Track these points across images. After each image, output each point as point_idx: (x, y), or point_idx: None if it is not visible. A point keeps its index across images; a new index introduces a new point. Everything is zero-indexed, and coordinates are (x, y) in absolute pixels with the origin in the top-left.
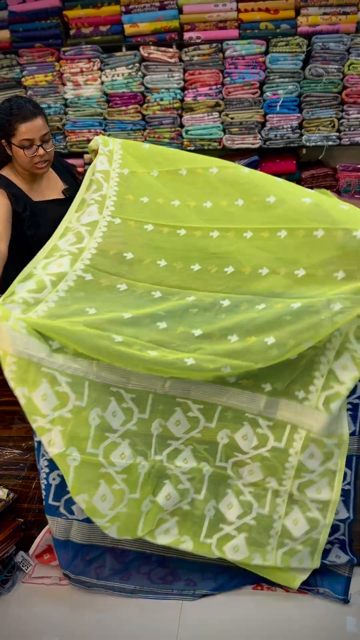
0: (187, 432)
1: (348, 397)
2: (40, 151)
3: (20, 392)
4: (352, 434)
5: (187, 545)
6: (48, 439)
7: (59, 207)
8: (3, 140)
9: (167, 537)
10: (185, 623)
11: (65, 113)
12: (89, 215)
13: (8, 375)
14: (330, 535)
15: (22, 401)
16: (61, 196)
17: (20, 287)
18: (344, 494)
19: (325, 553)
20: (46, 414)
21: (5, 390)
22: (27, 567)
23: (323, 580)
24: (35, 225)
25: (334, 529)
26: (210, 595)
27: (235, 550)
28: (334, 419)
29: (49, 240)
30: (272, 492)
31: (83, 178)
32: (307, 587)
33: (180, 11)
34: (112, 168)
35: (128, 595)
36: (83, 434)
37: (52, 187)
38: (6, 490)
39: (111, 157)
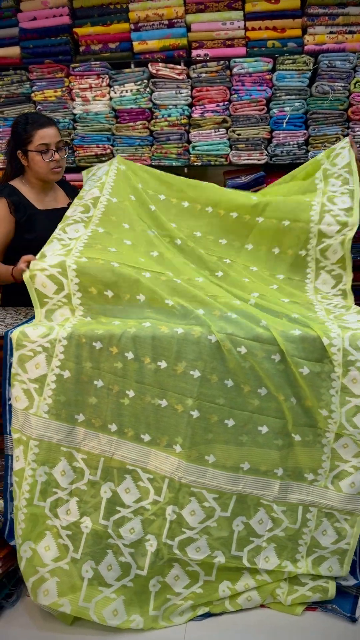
0: (202, 522)
1: None
2: (56, 156)
3: (42, 471)
4: None
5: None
6: (66, 509)
7: (59, 216)
8: (19, 152)
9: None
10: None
11: (74, 128)
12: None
13: (31, 457)
14: None
15: (42, 479)
16: (64, 206)
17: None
18: None
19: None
20: (65, 487)
21: None
22: None
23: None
24: (34, 229)
25: None
26: (217, 615)
27: (266, 561)
28: (346, 497)
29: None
30: (288, 574)
31: None
32: (316, 604)
33: (189, 29)
34: (102, 194)
35: None
36: (95, 508)
37: (57, 200)
38: None
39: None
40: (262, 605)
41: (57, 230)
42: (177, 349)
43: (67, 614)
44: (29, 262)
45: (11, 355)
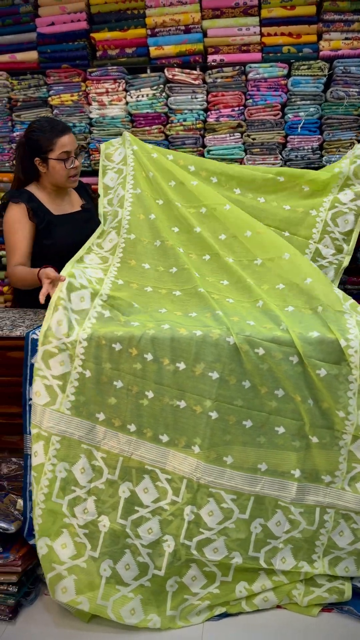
0: (220, 522)
1: None
2: (76, 163)
3: (62, 467)
4: None
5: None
6: (83, 507)
7: (75, 220)
8: (37, 159)
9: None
10: None
11: (90, 132)
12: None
13: (51, 452)
14: None
15: (62, 475)
16: (78, 210)
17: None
18: None
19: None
20: (84, 485)
21: (13, 401)
22: None
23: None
24: (51, 236)
25: None
26: (233, 615)
27: (283, 562)
28: None
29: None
30: (304, 574)
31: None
32: (332, 605)
33: (205, 35)
34: (125, 147)
35: None
36: (113, 508)
37: (72, 203)
38: None
39: (124, 141)
40: (278, 606)
41: (93, 246)
42: (195, 350)
43: (85, 612)
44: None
45: (32, 355)
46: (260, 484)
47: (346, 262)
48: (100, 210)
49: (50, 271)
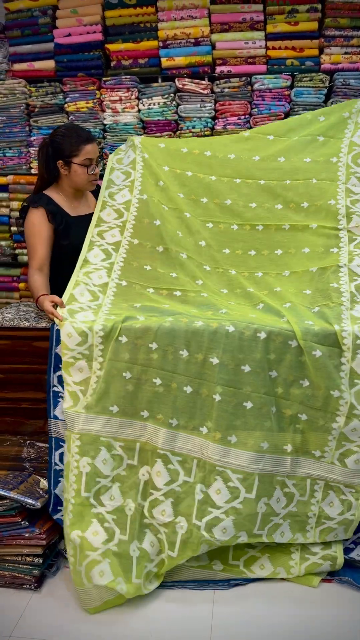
0: (228, 502)
1: None
2: (97, 170)
3: (85, 462)
4: None
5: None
6: (109, 495)
7: (90, 221)
8: (60, 161)
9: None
10: (219, 611)
11: (104, 137)
12: (122, 197)
13: (73, 450)
14: (354, 533)
15: (86, 470)
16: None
17: (78, 295)
18: None
19: (349, 551)
20: (107, 475)
21: (38, 388)
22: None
23: (345, 571)
24: (68, 236)
25: (358, 527)
26: (242, 585)
27: (282, 535)
28: (351, 472)
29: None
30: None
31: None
32: (332, 576)
33: (213, 47)
34: (136, 154)
35: (168, 586)
36: (135, 490)
37: (88, 205)
38: None
39: (134, 148)
40: (282, 579)
41: (94, 236)
42: (202, 340)
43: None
44: (54, 303)
45: (56, 345)
46: (263, 462)
47: None
48: (100, 198)
49: (47, 306)
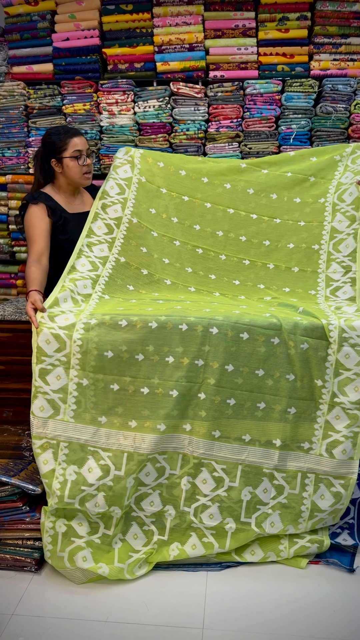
0: (214, 490)
1: None
2: (88, 161)
3: (71, 470)
4: None
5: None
6: (94, 502)
7: (87, 218)
8: (53, 160)
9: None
10: (212, 591)
11: (101, 139)
12: (114, 212)
13: (61, 458)
14: (341, 518)
15: (72, 478)
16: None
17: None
18: None
19: (335, 535)
20: (92, 483)
21: (27, 378)
22: None
23: (332, 554)
24: (66, 232)
25: (345, 511)
26: (234, 567)
27: (272, 526)
28: (339, 463)
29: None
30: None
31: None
32: (319, 558)
33: (207, 53)
34: (133, 174)
35: (163, 569)
36: (124, 494)
37: (85, 204)
38: None
39: (133, 166)
40: (272, 562)
41: (84, 246)
42: (188, 344)
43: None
44: (35, 308)
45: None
46: (245, 453)
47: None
48: (93, 209)
49: (28, 308)
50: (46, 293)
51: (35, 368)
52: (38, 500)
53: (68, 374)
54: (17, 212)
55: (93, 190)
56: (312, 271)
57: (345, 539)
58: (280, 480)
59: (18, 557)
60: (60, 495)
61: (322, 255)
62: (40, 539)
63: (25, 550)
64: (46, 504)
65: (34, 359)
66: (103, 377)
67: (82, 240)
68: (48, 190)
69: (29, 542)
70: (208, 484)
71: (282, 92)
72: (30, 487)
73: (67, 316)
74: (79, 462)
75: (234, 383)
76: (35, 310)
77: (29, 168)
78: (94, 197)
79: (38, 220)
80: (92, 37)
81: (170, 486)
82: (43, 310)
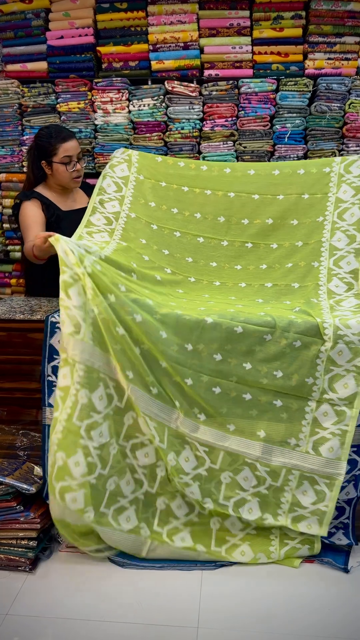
0: (195, 468)
1: None
2: (78, 166)
3: (84, 394)
4: (359, 425)
5: (208, 505)
6: (99, 431)
7: (81, 215)
8: (43, 162)
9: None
10: (206, 590)
11: (95, 137)
12: (112, 207)
13: (76, 379)
14: (336, 518)
15: (83, 401)
16: (84, 206)
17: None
18: (354, 478)
19: (330, 535)
20: (100, 411)
21: (31, 378)
22: (62, 539)
23: (327, 553)
24: (60, 228)
25: (340, 511)
26: (228, 565)
27: (249, 512)
28: (326, 461)
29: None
30: (269, 525)
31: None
32: (313, 557)
33: (202, 51)
34: (130, 172)
35: (157, 569)
36: (120, 431)
37: (78, 201)
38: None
39: (130, 164)
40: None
41: (84, 234)
42: (182, 330)
43: (86, 528)
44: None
45: (51, 337)
46: (229, 441)
47: None
48: (90, 203)
49: (39, 238)
50: (38, 292)
51: (60, 279)
52: (32, 500)
53: (85, 293)
54: (11, 212)
55: (87, 189)
56: (316, 242)
57: (339, 539)
58: (262, 472)
59: (12, 557)
60: (70, 413)
61: (327, 225)
62: (34, 539)
63: (20, 550)
64: (41, 504)
65: (61, 270)
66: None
67: (80, 229)
68: (40, 188)
69: (23, 542)
70: (190, 462)
71: (276, 91)
72: (25, 486)
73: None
74: (90, 387)
75: (221, 372)
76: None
77: (22, 167)
78: (87, 194)
79: (33, 213)
80: (86, 35)
81: (162, 452)
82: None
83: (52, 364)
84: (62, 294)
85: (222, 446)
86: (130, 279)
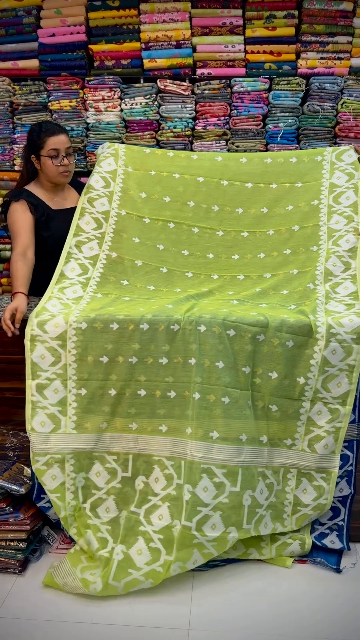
0: (215, 497)
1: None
2: (65, 161)
3: (80, 477)
4: (352, 421)
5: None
6: (105, 506)
7: (71, 214)
8: (33, 156)
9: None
10: (198, 591)
11: (87, 136)
12: (101, 205)
13: (68, 469)
14: (331, 519)
15: (81, 484)
16: (74, 205)
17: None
18: (347, 474)
19: (323, 536)
20: (101, 487)
21: (22, 378)
22: (52, 540)
23: (319, 553)
24: (49, 228)
25: (335, 512)
26: (220, 566)
27: (265, 527)
28: (321, 457)
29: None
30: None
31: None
32: (305, 557)
33: (194, 50)
34: (117, 165)
35: None
36: (130, 500)
37: (70, 200)
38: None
39: (117, 157)
40: (259, 560)
41: (72, 247)
42: (178, 343)
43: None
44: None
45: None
46: (244, 454)
47: None
48: (79, 204)
49: (6, 313)
50: (32, 291)
51: (32, 384)
52: (22, 501)
53: (66, 386)
54: (0, 210)
55: (79, 187)
56: (313, 225)
57: (332, 541)
58: (271, 478)
59: (1, 559)
60: (75, 504)
61: (323, 209)
62: (24, 540)
63: (9, 551)
64: (31, 505)
65: (29, 375)
66: (100, 383)
67: (69, 240)
68: (31, 186)
69: (12, 544)
70: (209, 491)
71: (269, 90)
72: (14, 487)
73: (57, 320)
74: (85, 469)
75: (222, 380)
76: (13, 319)
77: (14, 165)
78: (79, 193)
79: (21, 216)
80: (78, 33)
81: (178, 497)
82: (19, 319)
83: (37, 381)
84: (37, 396)
85: (238, 462)
86: (118, 301)
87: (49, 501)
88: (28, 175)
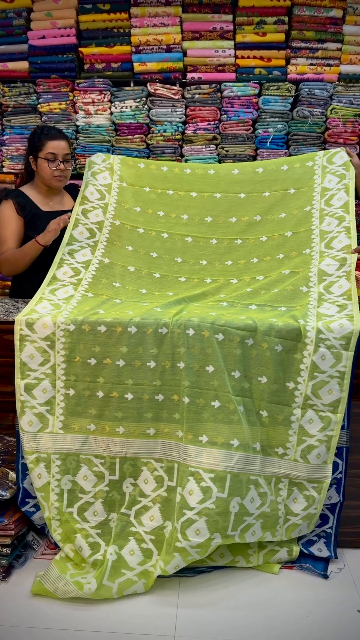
0: (201, 502)
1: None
2: (61, 166)
3: (66, 480)
4: (342, 427)
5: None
6: (93, 510)
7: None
8: (31, 157)
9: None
10: (184, 598)
11: (77, 138)
12: (95, 216)
13: (54, 470)
14: (319, 526)
15: (67, 487)
16: (69, 209)
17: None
18: (336, 481)
19: (311, 543)
20: (89, 491)
21: (8, 381)
22: (37, 546)
23: (306, 559)
24: (36, 227)
25: (324, 520)
26: (207, 572)
27: (253, 535)
28: (313, 468)
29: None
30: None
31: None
32: (293, 563)
33: (185, 54)
34: (113, 180)
35: None
36: (119, 503)
37: (63, 203)
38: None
39: (112, 172)
40: (246, 567)
41: (65, 254)
42: (166, 347)
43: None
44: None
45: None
46: (234, 460)
47: (353, 225)
48: (73, 215)
49: (53, 224)
50: (21, 295)
51: (20, 383)
52: (7, 506)
53: (55, 386)
54: None
55: (74, 192)
56: (305, 230)
57: (320, 549)
58: (265, 487)
59: None
60: (58, 506)
61: (315, 213)
62: (8, 545)
63: None
64: (16, 510)
65: (17, 374)
66: (88, 385)
67: (62, 249)
68: (26, 187)
69: None
70: (195, 495)
71: (259, 95)
72: None
73: (45, 321)
74: (72, 471)
75: (211, 384)
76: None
77: (2, 167)
78: (74, 197)
79: (7, 218)
80: (68, 35)
81: (169, 499)
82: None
83: (26, 381)
84: (25, 396)
85: (227, 467)
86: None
87: (34, 506)
88: (26, 177)
